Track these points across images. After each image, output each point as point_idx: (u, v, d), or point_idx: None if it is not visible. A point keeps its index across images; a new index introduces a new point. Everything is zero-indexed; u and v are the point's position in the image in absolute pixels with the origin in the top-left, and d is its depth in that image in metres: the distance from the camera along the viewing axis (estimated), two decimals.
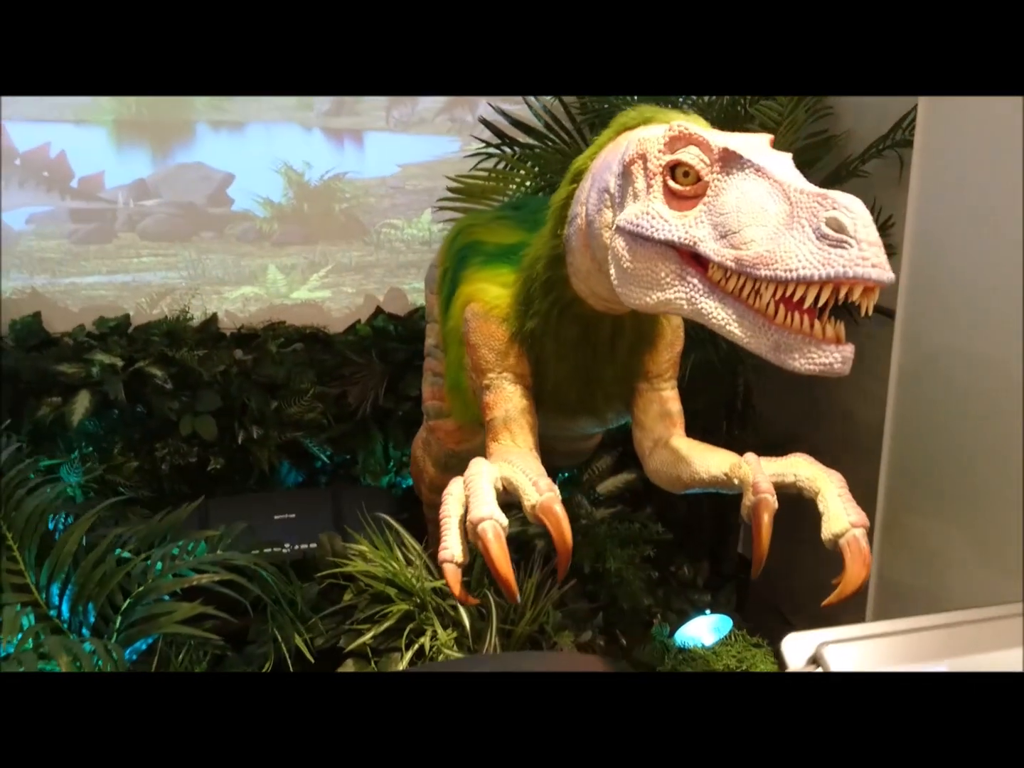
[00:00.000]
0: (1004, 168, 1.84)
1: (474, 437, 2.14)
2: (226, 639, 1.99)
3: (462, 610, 1.98)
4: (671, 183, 1.25)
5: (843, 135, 2.76)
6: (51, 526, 2.28)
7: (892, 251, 2.63)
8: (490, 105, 3.01)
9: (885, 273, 1.04)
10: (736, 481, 1.45)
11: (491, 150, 2.92)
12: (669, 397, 1.73)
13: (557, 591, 2.12)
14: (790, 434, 3.03)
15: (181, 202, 3.16)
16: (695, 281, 1.23)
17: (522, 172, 2.81)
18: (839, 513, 1.35)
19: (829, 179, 2.66)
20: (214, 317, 3.24)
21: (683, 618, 2.44)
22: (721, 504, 2.98)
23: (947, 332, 2.06)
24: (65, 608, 1.66)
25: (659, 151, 1.27)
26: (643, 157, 1.29)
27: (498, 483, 1.38)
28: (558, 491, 1.36)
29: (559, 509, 1.32)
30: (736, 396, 3.02)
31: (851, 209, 1.06)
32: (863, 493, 2.49)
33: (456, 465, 2.21)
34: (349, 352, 3.27)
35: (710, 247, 1.19)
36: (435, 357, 2.16)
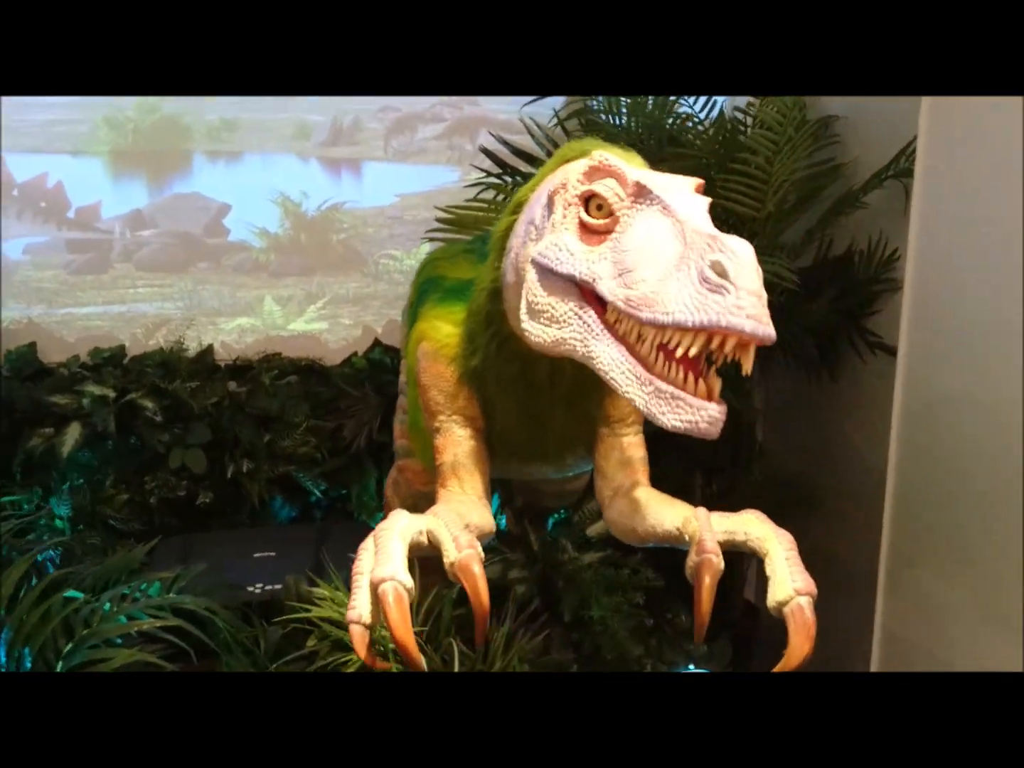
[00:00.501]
0: (1009, 197, 1.74)
1: None
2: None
3: (424, 661, 1.89)
4: (583, 215, 1.18)
5: (850, 163, 2.65)
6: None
7: (897, 286, 2.51)
8: (491, 134, 2.96)
9: (760, 327, 0.97)
10: (687, 537, 1.35)
11: (491, 179, 2.86)
12: (631, 443, 1.63)
13: (527, 642, 2.01)
14: (794, 473, 2.91)
15: (177, 232, 3.13)
16: (590, 321, 1.17)
17: (502, 197, 2.74)
18: (784, 579, 1.24)
19: (831, 210, 2.55)
20: (210, 348, 3.20)
21: (673, 670, 2.32)
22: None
23: (952, 372, 1.94)
24: (2, 653, 1.59)
25: (577, 180, 1.20)
26: (564, 187, 1.23)
27: (422, 536, 1.29)
28: (479, 548, 1.27)
29: (477, 569, 1.23)
30: (738, 431, 2.89)
31: (736, 253, 0.99)
32: (867, 538, 2.37)
33: (425, 507, 2.12)
34: (345, 385, 3.21)
35: (607, 285, 1.13)
36: (404, 394, 2.08)
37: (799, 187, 2.50)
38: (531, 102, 2.89)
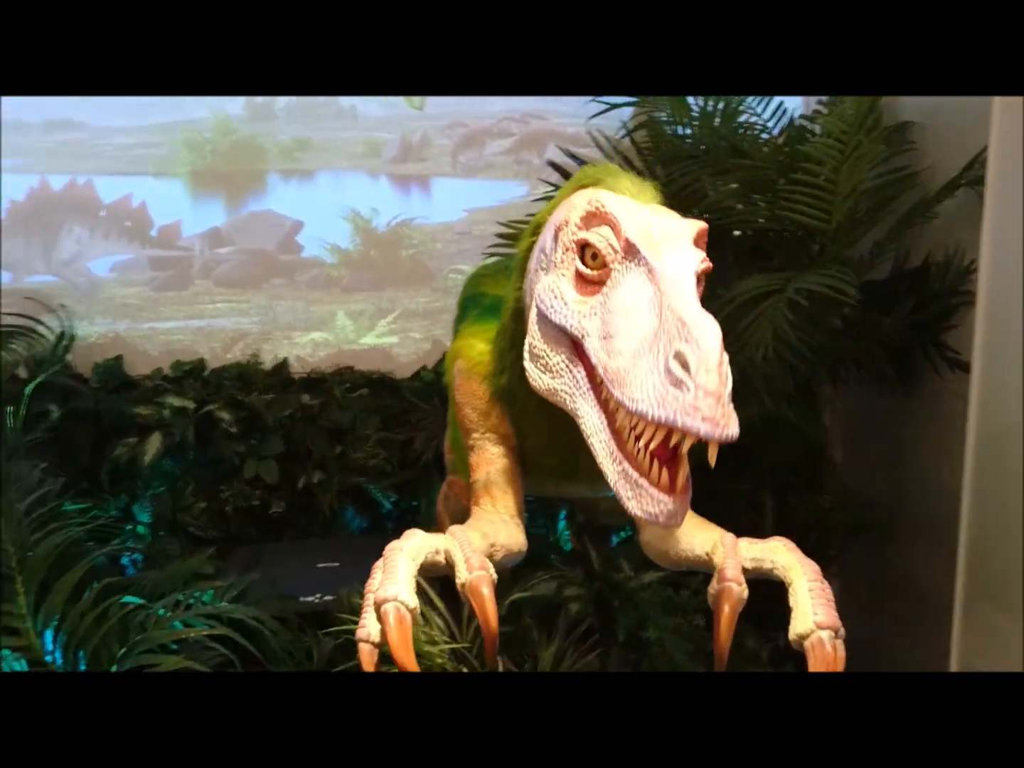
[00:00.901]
0: None
1: None
2: None
3: None
4: (578, 263, 1.15)
5: (925, 171, 2.54)
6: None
7: (974, 299, 2.39)
8: (559, 148, 2.95)
9: (717, 429, 0.93)
10: (715, 563, 1.31)
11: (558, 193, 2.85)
12: None
13: (577, 661, 1.99)
14: (868, 494, 2.80)
15: (253, 249, 3.23)
16: (579, 378, 1.14)
17: None
18: (806, 611, 1.19)
19: (903, 220, 2.45)
20: (285, 362, 3.29)
21: None
22: None
23: None
24: (59, 655, 1.67)
25: (576, 224, 1.17)
26: (566, 224, 1.20)
27: (438, 556, 1.29)
28: (491, 569, 1.26)
29: (486, 591, 1.22)
30: (809, 449, 2.81)
31: (700, 345, 0.94)
32: (943, 566, 2.26)
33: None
34: (414, 398, 3.25)
35: (593, 345, 1.10)
36: None
37: (871, 197, 2.41)
38: (598, 114, 2.87)
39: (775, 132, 2.65)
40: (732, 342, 2.13)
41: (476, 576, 1.23)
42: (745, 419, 2.31)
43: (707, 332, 0.95)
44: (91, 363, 3.20)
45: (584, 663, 2.07)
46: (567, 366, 1.17)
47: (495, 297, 1.70)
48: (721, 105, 2.62)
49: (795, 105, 2.84)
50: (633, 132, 2.89)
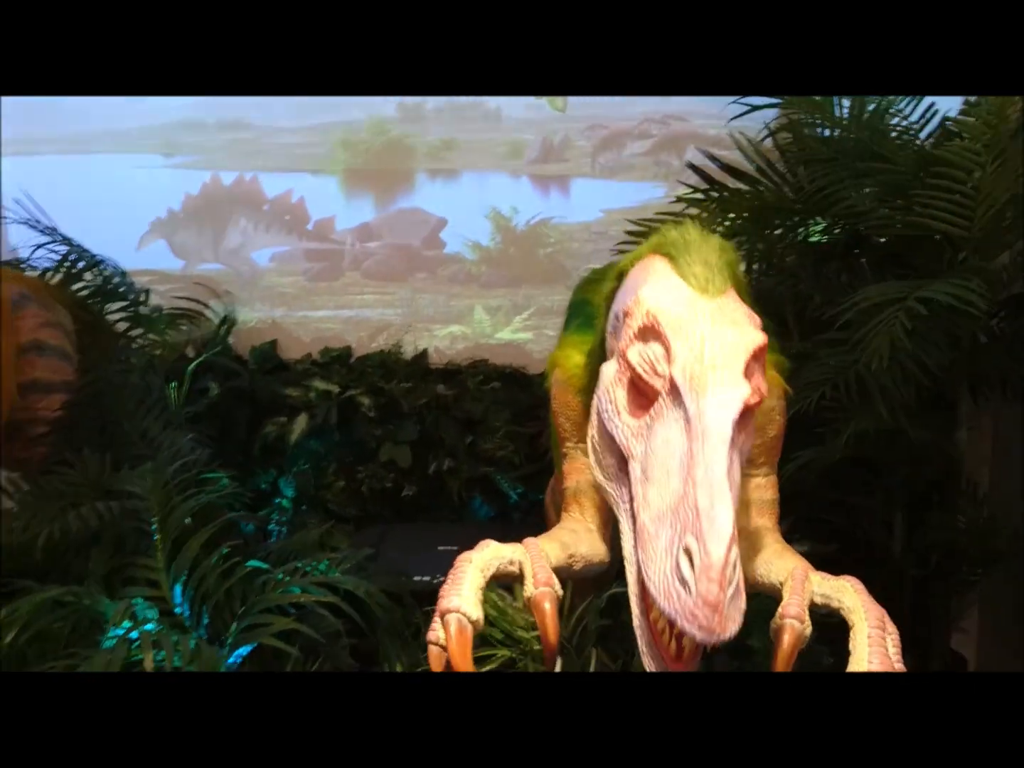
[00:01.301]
0: None
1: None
2: (360, 659, 2.12)
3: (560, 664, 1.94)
4: (633, 374, 1.16)
5: None
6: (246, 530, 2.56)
7: None
8: (698, 150, 2.95)
9: (711, 637, 0.95)
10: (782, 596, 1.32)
11: (697, 195, 2.85)
12: (760, 485, 1.58)
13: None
14: (1009, 521, 2.64)
15: (400, 244, 3.40)
16: (623, 494, 1.17)
17: (704, 214, 2.72)
18: (862, 657, 1.19)
19: None
20: (424, 353, 3.44)
21: None
22: (924, 584, 2.67)
23: None
24: (186, 608, 1.84)
25: (632, 334, 1.17)
26: (629, 317, 1.20)
27: (512, 566, 1.35)
28: (556, 586, 1.31)
29: (548, 607, 1.28)
30: (947, 472, 2.68)
31: (708, 549, 0.96)
32: None
33: None
34: (545, 394, 3.32)
35: (635, 475, 1.12)
36: None
37: (1018, 204, 2.28)
38: (740, 116, 2.85)
39: (923, 135, 2.55)
40: (850, 350, 2.08)
41: (540, 592, 1.29)
42: (864, 430, 2.25)
43: (716, 533, 0.98)
44: (249, 346, 3.46)
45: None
46: (615, 475, 1.20)
47: (598, 307, 1.72)
48: (871, 107, 2.55)
49: (950, 106, 2.72)
50: (776, 133, 2.85)
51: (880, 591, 2.80)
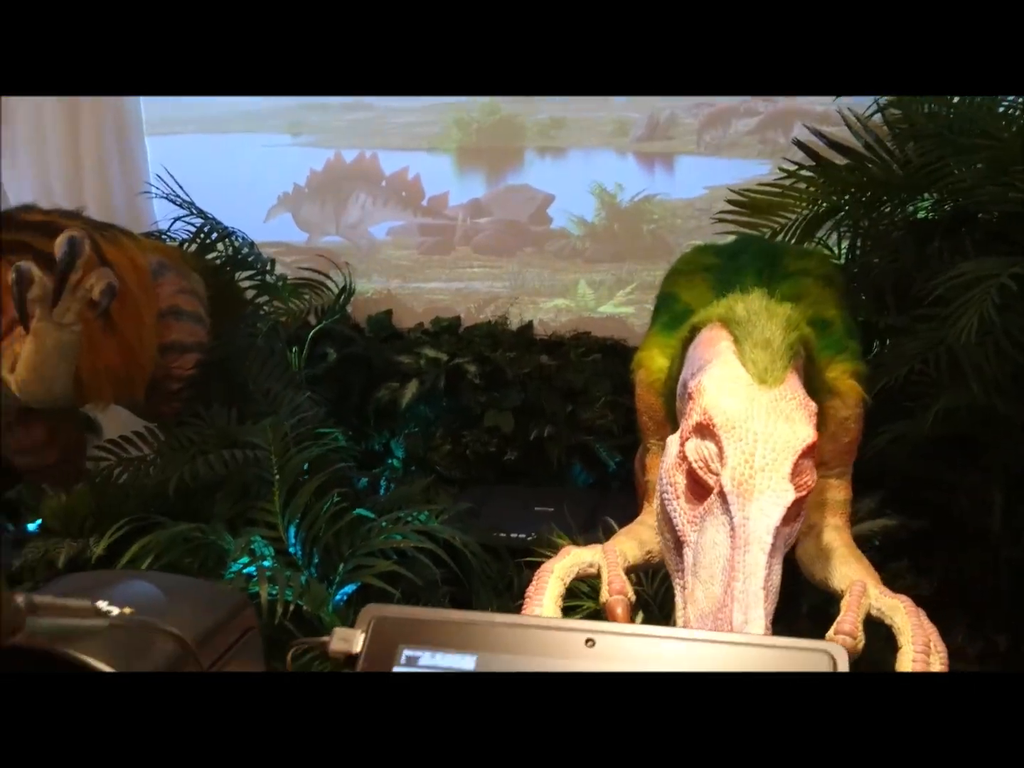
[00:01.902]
0: None
1: None
2: (456, 606, 2.28)
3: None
4: (691, 465, 1.26)
5: None
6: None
7: None
8: (805, 126, 2.96)
9: None
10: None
11: (803, 172, 2.87)
12: (832, 485, 1.65)
13: None
14: None
15: (508, 220, 3.53)
16: (679, 573, 1.27)
17: (811, 188, 2.73)
18: None
19: None
20: (529, 324, 3.57)
21: None
22: (1021, 566, 2.63)
23: None
24: (299, 548, 2.04)
25: (692, 425, 1.26)
26: (692, 399, 1.29)
27: (592, 568, 1.47)
28: (629, 592, 1.43)
29: (620, 612, 1.39)
30: None
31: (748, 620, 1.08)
32: None
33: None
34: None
35: (688, 560, 1.22)
36: None
37: None
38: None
39: None
40: (939, 325, 2.09)
41: (613, 599, 1.41)
42: (955, 406, 2.26)
43: (754, 620, 1.10)
44: (366, 315, 3.67)
45: None
46: (673, 550, 1.30)
47: (686, 305, 1.74)
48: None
49: None
50: (885, 109, 2.83)
51: (975, 570, 2.78)
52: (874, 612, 1.39)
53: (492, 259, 3.60)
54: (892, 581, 2.41)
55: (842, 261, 2.79)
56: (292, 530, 2.04)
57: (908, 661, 1.31)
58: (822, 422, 1.64)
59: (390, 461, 3.64)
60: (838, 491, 1.67)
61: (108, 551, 2.16)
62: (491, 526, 2.54)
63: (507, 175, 3.51)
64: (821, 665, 0.71)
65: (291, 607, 1.83)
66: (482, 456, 3.44)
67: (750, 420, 1.22)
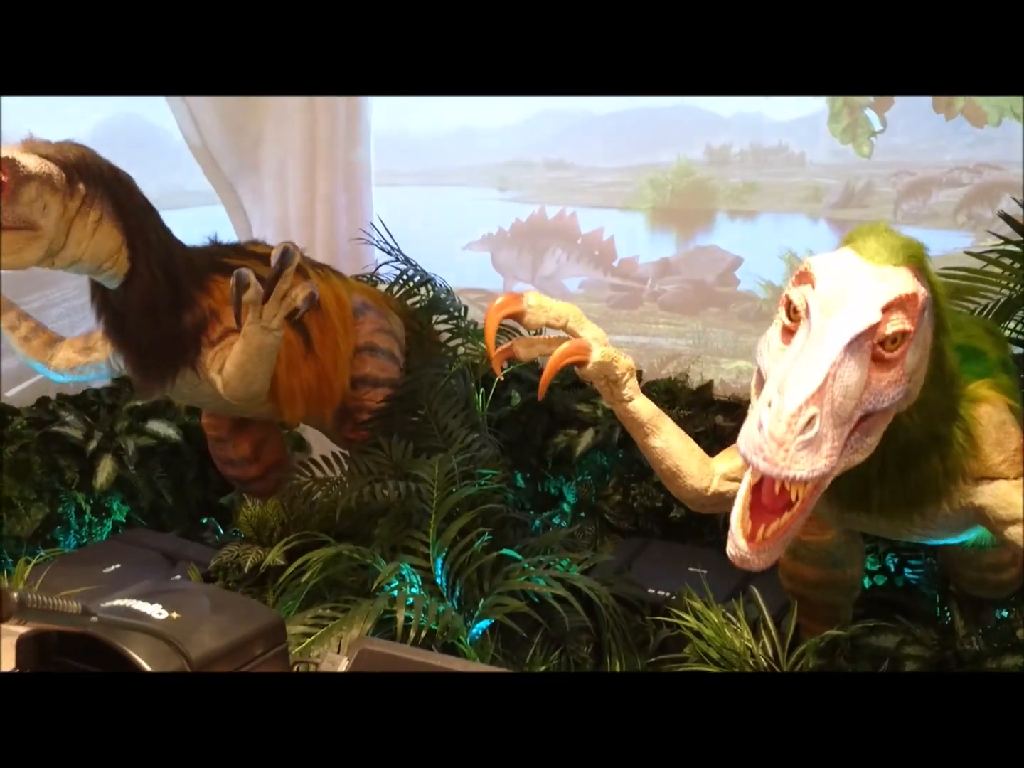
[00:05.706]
0: None
1: (823, 532, 2.15)
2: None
3: None
4: (783, 316, 1.29)
5: None
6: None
7: None
8: (1014, 199, 2.83)
9: (775, 469, 1.09)
10: None
11: (1010, 247, 2.74)
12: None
13: None
14: None
15: (695, 280, 3.59)
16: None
17: (1015, 264, 2.60)
18: None
19: None
20: (709, 384, 3.58)
21: None
22: None
23: None
24: (443, 579, 2.20)
25: (791, 281, 1.31)
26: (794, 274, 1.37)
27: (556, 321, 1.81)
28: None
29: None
30: None
31: (784, 398, 1.10)
32: None
33: (805, 556, 2.23)
34: None
35: (766, 387, 1.25)
36: None
37: None
38: None
39: None
40: None
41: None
42: None
43: (795, 389, 1.12)
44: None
45: None
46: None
47: None
48: None
49: None
50: None
51: None
52: None
53: (677, 317, 3.67)
54: None
55: None
56: (439, 561, 2.20)
57: None
58: (974, 433, 1.66)
59: (562, 505, 3.77)
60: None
61: (287, 560, 2.43)
62: (637, 580, 2.58)
63: (697, 236, 3.57)
64: None
65: (423, 632, 1.98)
66: (649, 510, 3.48)
67: (848, 273, 1.29)
